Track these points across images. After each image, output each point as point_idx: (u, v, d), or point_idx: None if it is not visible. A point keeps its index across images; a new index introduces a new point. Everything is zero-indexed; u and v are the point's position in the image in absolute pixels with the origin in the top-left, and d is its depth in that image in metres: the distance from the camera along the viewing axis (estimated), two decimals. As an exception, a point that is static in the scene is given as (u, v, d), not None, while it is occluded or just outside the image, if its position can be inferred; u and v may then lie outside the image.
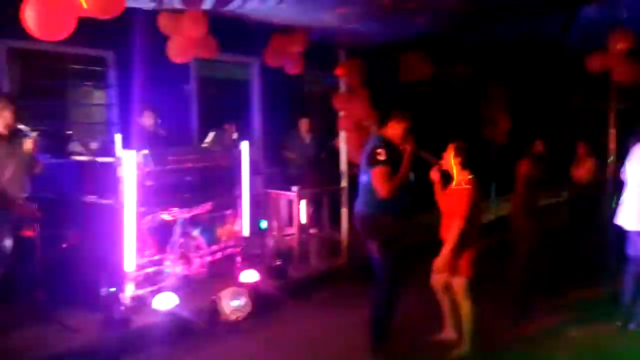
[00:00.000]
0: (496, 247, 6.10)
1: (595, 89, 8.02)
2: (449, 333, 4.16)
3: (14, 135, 4.06)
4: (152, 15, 4.68)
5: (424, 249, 4.97)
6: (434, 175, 4.00)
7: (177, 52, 4.47)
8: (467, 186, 3.80)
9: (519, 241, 5.33)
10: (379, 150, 3.82)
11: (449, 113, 8.73)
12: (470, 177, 3.84)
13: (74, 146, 4.51)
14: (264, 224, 5.99)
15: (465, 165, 3.86)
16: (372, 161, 3.85)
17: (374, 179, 3.84)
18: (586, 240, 6.01)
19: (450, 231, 3.75)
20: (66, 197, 4.67)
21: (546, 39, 6.60)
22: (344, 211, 6.14)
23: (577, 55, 6.22)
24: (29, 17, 3.13)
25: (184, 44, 4.43)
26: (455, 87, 7.78)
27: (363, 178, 4.03)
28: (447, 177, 4.02)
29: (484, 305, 4.05)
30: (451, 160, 3.89)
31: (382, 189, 3.81)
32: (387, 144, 3.91)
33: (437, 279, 4.05)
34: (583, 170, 6.31)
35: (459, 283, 3.89)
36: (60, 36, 3.26)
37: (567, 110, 10.52)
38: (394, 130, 3.98)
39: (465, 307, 3.90)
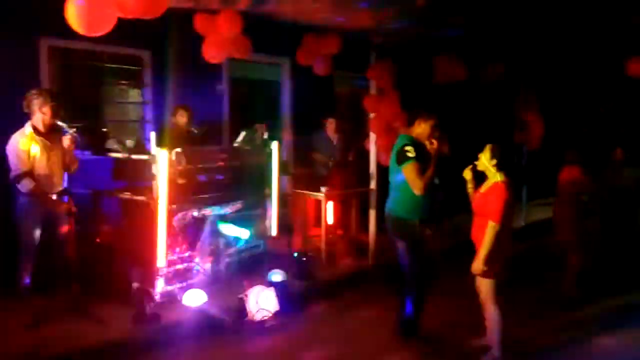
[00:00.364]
0: (529, 253, 6.04)
1: (631, 93, 7.82)
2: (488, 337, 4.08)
3: (53, 132, 4.17)
4: (187, 15, 4.76)
5: (454, 252, 4.94)
6: (467, 174, 3.97)
7: (212, 52, 4.53)
8: (503, 188, 3.74)
9: (569, 249, 5.33)
10: (407, 148, 3.88)
11: (481, 116, 8.61)
12: (505, 178, 3.79)
13: (111, 143, 4.61)
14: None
15: (501, 166, 3.81)
16: (402, 158, 3.89)
17: (407, 176, 3.87)
18: (621, 245, 5.91)
19: (486, 233, 3.69)
20: (101, 194, 4.78)
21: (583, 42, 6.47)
22: (372, 213, 6.12)
23: (614, 59, 6.08)
24: (72, 12, 3.20)
25: (219, 44, 4.48)
26: (488, 89, 7.67)
27: (392, 179, 4.08)
28: (478, 178, 3.98)
29: (518, 310, 3.98)
30: (487, 162, 3.84)
31: (415, 185, 3.84)
32: (414, 143, 3.94)
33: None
34: (619, 176, 6.20)
35: (487, 285, 3.84)
36: (100, 32, 3.34)
37: (601, 115, 10.28)
38: (420, 129, 4.02)
39: (492, 310, 3.84)
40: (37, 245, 4.10)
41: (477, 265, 3.74)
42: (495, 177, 3.82)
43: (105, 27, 3.35)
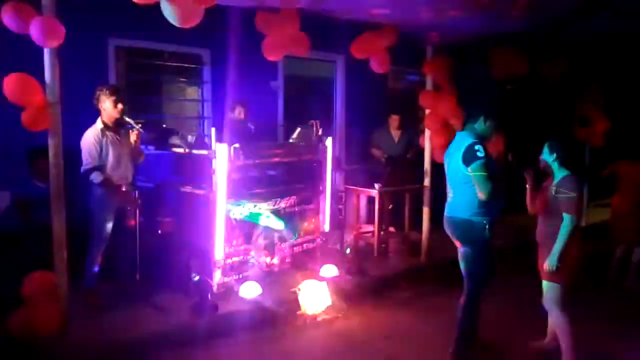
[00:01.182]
0: (590, 254, 5.84)
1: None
2: (551, 341, 3.95)
3: (121, 127, 4.38)
4: (246, 14, 4.85)
5: (512, 252, 4.78)
6: (528, 174, 3.86)
7: (272, 49, 4.59)
8: (573, 179, 3.64)
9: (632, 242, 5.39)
10: (477, 147, 3.59)
11: (542, 112, 8.31)
12: (568, 174, 3.67)
13: (174, 139, 4.79)
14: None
15: (562, 161, 3.70)
16: (472, 158, 3.59)
17: (476, 177, 3.58)
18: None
19: (562, 227, 3.55)
20: (163, 187, 4.97)
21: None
22: (426, 210, 6.05)
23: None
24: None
25: (279, 42, 4.54)
26: (550, 84, 7.37)
27: (455, 179, 3.79)
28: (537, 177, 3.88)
29: (583, 311, 3.83)
30: (547, 158, 3.74)
31: (483, 187, 3.56)
32: (482, 142, 3.68)
33: None
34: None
35: (554, 290, 3.68)
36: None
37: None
38: (484, 126, 3.77)
39: (559, 316, 3.67)
40: (110, 236, 4.32)
41: (552, 262, 3.60)
42: (559, 172, 3.71)
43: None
